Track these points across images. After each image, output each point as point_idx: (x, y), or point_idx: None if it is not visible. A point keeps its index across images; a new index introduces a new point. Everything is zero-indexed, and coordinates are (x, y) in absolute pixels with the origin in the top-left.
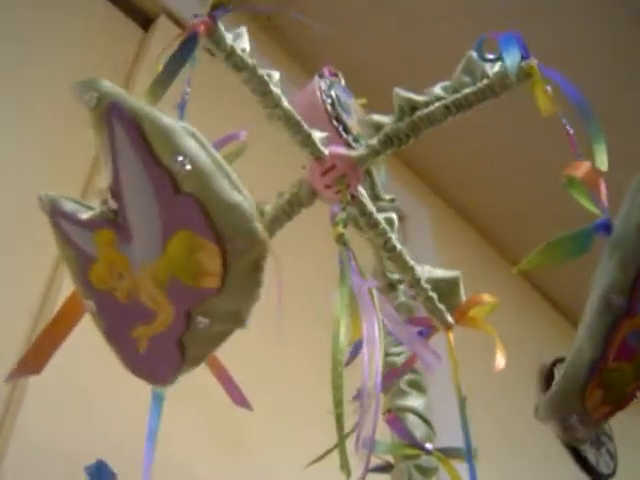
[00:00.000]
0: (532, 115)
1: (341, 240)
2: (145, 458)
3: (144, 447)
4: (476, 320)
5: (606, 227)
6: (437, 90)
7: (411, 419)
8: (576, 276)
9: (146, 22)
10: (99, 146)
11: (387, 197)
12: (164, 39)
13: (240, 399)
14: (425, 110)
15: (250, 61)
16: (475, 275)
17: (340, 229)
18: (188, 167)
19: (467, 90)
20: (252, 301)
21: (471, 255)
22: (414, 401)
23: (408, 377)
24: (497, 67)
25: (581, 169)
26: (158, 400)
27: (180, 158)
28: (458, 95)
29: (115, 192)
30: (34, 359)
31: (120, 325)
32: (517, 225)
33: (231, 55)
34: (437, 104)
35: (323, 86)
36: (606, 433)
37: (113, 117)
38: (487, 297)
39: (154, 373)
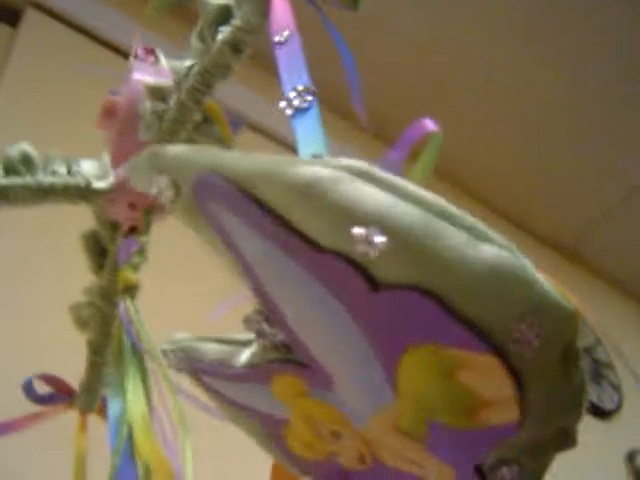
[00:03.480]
0: None
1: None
2: None
3: None
4: None
5: None
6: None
7: None
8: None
9: (12, 18)
10: (213, 249)
11: None
12: (34, 32)
13: None
14: None
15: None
16: None
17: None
18: (381, 240)
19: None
20: (577, 415)
21: None
22: None
23: None
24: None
25: None
26: None
27: (361, 231)
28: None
29: (269, 315)
30: None
31: None
32: None
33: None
34: None
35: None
36: (607, 363)
37: (208, 202)
38: None
39: None
